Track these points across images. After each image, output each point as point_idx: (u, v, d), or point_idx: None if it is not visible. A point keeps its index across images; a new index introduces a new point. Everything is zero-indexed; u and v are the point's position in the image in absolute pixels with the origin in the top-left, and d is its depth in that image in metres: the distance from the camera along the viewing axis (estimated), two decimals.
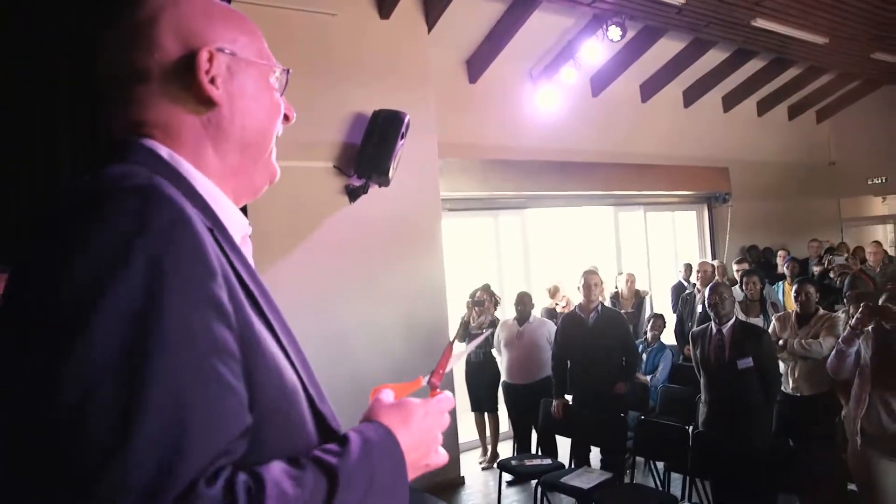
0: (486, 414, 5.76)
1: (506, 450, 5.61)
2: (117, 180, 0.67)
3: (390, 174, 4.88)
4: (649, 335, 5.59)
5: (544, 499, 4.22)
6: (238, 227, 0.83)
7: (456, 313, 6.28)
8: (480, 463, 5.71)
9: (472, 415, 5.85)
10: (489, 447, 5.76)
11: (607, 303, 5.75)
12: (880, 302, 3.48)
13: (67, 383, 0.58)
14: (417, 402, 0.84)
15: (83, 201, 0.65)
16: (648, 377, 5.37)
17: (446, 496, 4.93)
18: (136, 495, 0.56)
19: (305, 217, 4.88)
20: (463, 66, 6.44)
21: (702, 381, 3.97)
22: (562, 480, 3.99)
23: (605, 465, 4.50)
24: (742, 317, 4.84)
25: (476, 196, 6.42)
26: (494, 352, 5.65)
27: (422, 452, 0.82)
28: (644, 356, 5.51)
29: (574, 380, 4.65)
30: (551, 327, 5.22)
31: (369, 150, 4.88)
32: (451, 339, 1.05)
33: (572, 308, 5.04)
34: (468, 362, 5.89)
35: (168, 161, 0.76)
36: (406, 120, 4.88)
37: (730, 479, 3.55)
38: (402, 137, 4.90)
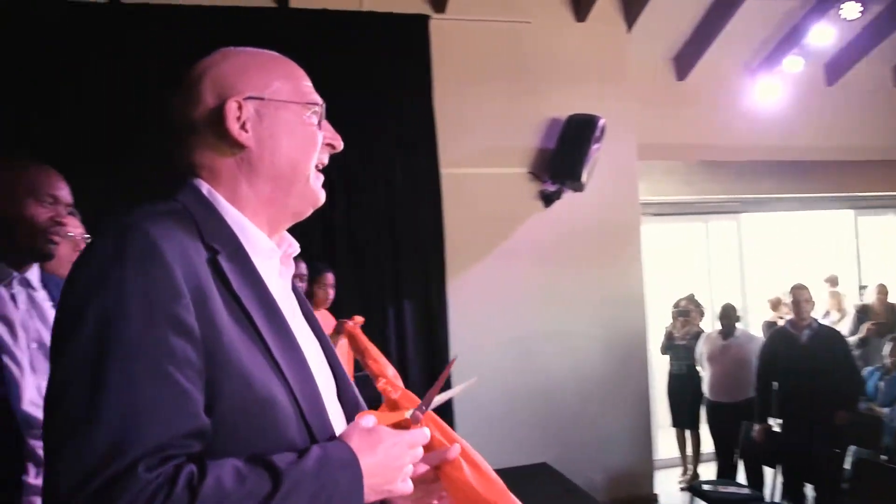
0: (687, 431, 5.42)
1: (709, 471, 5.22)
2: (123, 218, 0.82)
3: (583, 179, 4.82)
4: (888, 360, 4.82)
5: None
6: (264, 250, 0.93)
7: (659, 323, 6.00)
8: (679, 482, 5.39)
9: (671, 431, 5.54)
10: (690, 466, 5.41)
11: (826, 320, 5.07)
12: None
13: (57, 374, 0.75)
14: (389, 431, 0.90)
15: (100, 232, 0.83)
16: (886, 409, 4.63)
17: None
18: (83, 470, 0.69)
19: (500, 223, 5.00)
20: (669, 64, 6.11)
21: None
22: None
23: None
24: None
25: (682, 200, 6.05)
26: (699, 367, 5.30)
27: (385, 478, 0.87)
28: (881, 384, 4.76)
29: (782, 403, 4.18)
30: (760, 343, 4.75)
31: (562, 156, 4.87)
32: (444, 372, 1.05)
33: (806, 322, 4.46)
34: (671, 375, 5.60)
35: (206, 196, 0.91)
36: (600, 124, 4.79)
37: None
38: (597, 142, 4.82)
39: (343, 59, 4.54)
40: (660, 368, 6.09)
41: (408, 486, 0.91)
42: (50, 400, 0.75)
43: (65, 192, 1.58)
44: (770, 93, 6.10)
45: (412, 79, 4.73)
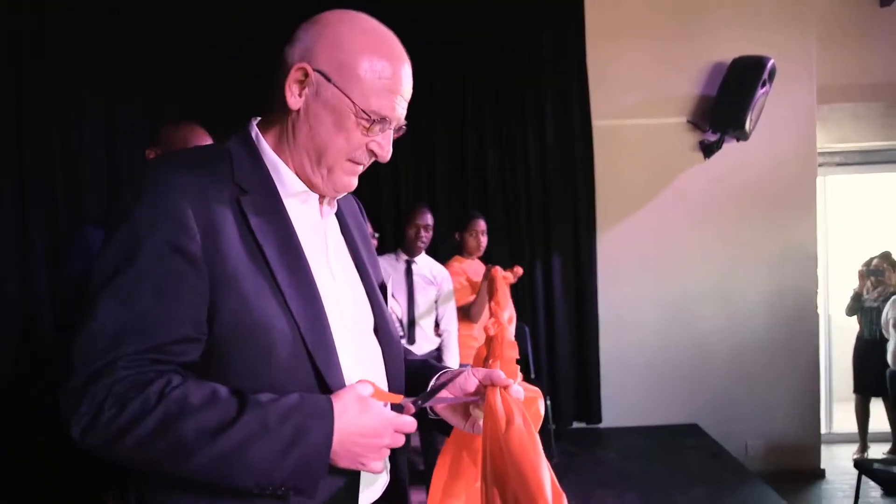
0: (871, 401, 4.92)
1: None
2: (152, 163, 1.02)
3: (748, 127, 4.46)
4: None
5: None
6: (296, 193, 1.03)
7: (843, 284, 5.44)
8: (854, 456, 4.93)
9: (843, 405, 5.06)
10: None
11: None
12: None
13: (91, 276, 0.92)
14: (379, 406, 0.94)
15: None
16: None
17: (795, 488, 4.44)
18: (81, 357, 0.87)
19: (656, 175, 4.81)
20: None
21: None
22: None
23: None
24: None
25: (876, 147, 5.33)
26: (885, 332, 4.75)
27: (360, 447, 0.91)
28: None
29: None
30: None
31: (725, 102, 4.53)
32: (439, 383, 1.02)
33: None
34: (859, 339, 5.07)
35: (252, 139, 1.03)
36: (769, 65, 4.37)
37: None
38: (764, 85, 4.41)
39: (496, 10, 4.59)
40: (840, 334, 5.54)
41: (378, 467, 0.94)
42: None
43: None
44: None
45: (566, 30, 4.65)
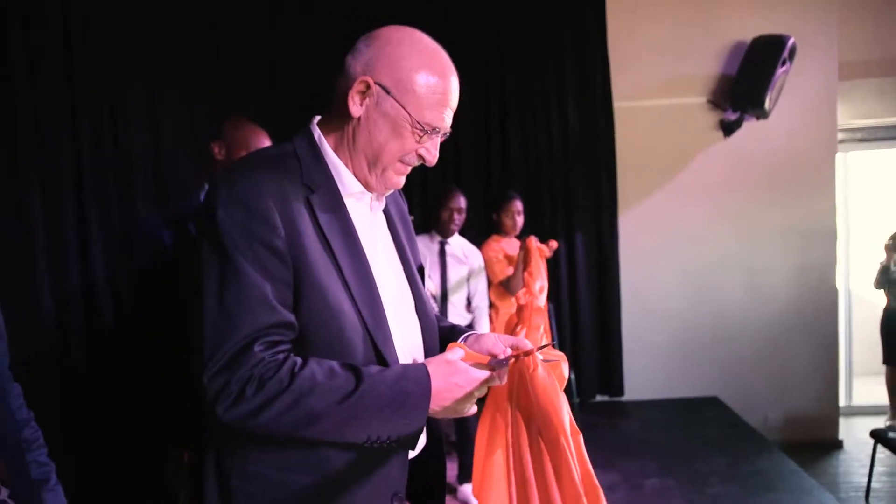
0: None
1: None
2: (234, 166, 1.12)
3: (767, 106, 4.52)
4: None
5: None
6: (354, 192, 1.16)
7: (866, 259, 5.51)
8: (887, 423, 5.04)
9: (862, 378, 5.15)
10: None
11: None
12: None
13: (199, 275, 1.08)
14: (465, 367, 1.10)
15: None
16: None
17: (813, 458, 4.56)
18: (217, 341, 1.01)
19: (676, 154, 4.90)
20: None
21: None
22: None
23: None
24: None
25: None
26: None
27: (452, 403, 1.08)
28: None
29: None
30: None
31: (745, 81, 4.59)
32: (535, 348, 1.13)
33: None
34: (887, 310, 5.14)
35: (315, 141, 1.16)
36: (789, 44, 4.42)
37: None
38: (784, 64, 4.46)
39: (519, 16, 4.68)
40: (860, 309, 5.61)
41: (472, 410, 1.13)
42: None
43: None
44: None
45: (587, 12, 4.72)
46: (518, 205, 3.83)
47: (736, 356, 4.91)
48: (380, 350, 1.11)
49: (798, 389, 4.88)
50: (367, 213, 1.21)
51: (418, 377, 1.07)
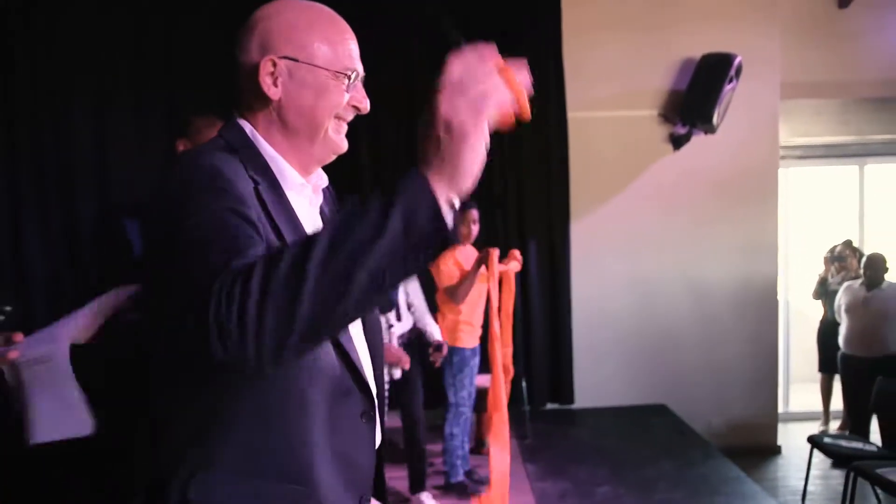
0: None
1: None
2: (184, 156, 1.08)
3: (715, 121, 4.67)
4: None
5: (855, 487, 3.76)
6: (295, 185, 1.08)
7: (802, 270, 5.74)
8: (821, 428, 5.25)
9: (800, 385, 5.36)
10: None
11: None
12: None
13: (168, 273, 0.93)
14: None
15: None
16: None
17: (754, 462, 4.71)
18: (210, 271, 0.81)
19: (628, 165, 5.01)
20: None
21: None
22: (877, 471, 3.51)
23: None
24: None
25: (835, 142, 5.60)
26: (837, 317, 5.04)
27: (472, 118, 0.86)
28: None
29: None
30: None
31: (694, 97, 4.73)
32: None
33: None
34: (824, 321, 5.36)
35: (248, 135, 1.08)
36: (736, 62, 4.57)
37: None
38: (731, 81, 4.62)
39: (473, 3, 4.69)
40: (798, 319, 5.84)
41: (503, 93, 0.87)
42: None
43: None
44: None
45: (543, 22, 4.79)
46: (474, 213, 3.83)
47: (683, 364, 5.04)
48: (341, 342, 1.04)
49: (740, 396, 5.03)
50: (307, 208, 1.14)
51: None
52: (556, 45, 4.80)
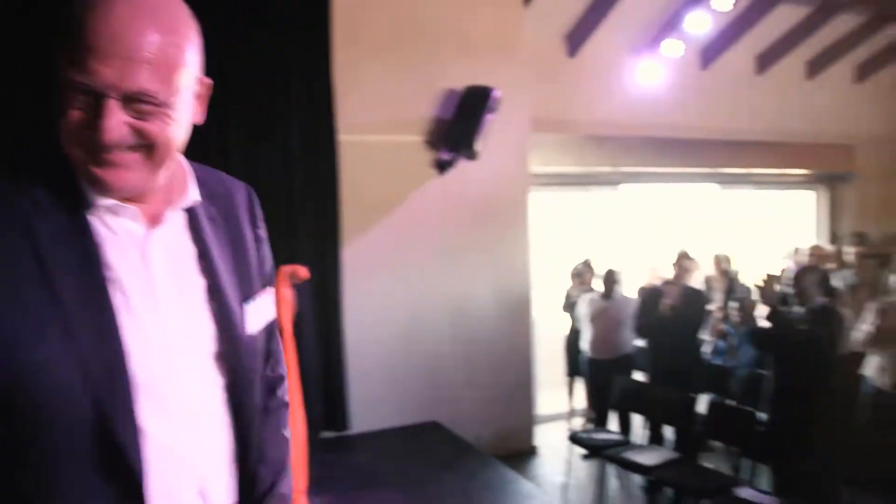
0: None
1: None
2: None
3: (476, 148, 5.01)
4: (737, 317, 5.39)
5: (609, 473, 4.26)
6: (103, 207, 0.89)
7: (545, 286, 6.38)
8: (570, 430, 5.84)
9: (550, 390, 5.94)
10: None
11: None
12: None
13: None
14: None
15: None
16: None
17: (516, 465, 5.06)
18: None
19: (396, 189, 5.12)
20: (562, 40, 6.37)
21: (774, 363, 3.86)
22: (625, 455, 4.02)
23: (677, 445, 4.46)
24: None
25: (571, 171, 6.40)
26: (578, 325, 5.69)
27: None
28: (731, 340, 5.34)
29: (650, 357, 4.63)
30: (635, 305, 5.17)
31: (458, 125, 5.03)
32: None
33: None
34: (572, 330, 5.95)
35: (62, 150, 0.86)
36: (493, 95, 4.97)
37: (794, 466, 3.46)
38: (491, 112, 5.01)
39: (243, 25, 4.45)
40: (545, 329, 6.48)
41: None
42: None
43: None
44: (651, 73, 6.52)
45: (313, 48, 4.71)
46: None
47: (449, 381, 5.25)
48: (111, 419, 0.83)
49: (503, 406, 5.40)
50: (140, 234, 0.92)
51: None
52: (327, 71, 4.75)
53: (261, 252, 1.13)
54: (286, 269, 3.16)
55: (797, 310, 3.80)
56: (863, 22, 7.30)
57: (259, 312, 1.07)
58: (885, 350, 4.04)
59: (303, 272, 3.46)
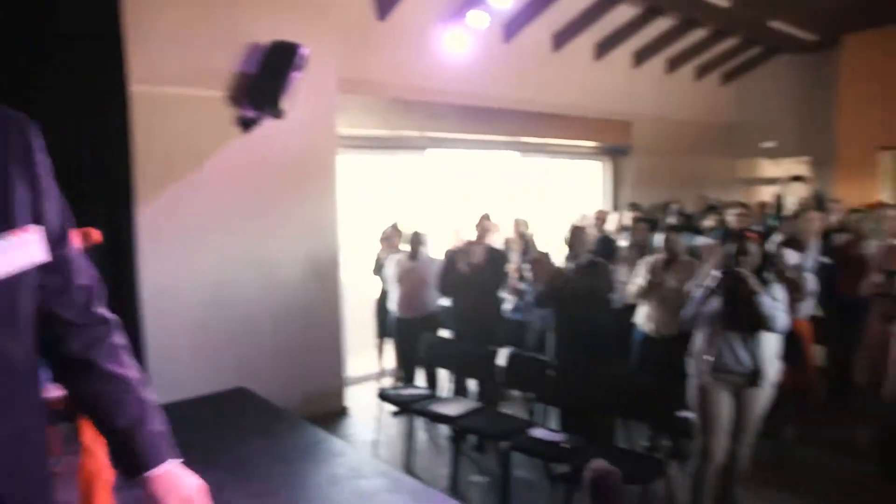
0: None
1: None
2: None
3: (283, 107, 4.85)
4: (531, 276, 5.85)
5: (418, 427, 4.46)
6: None
7: (353, 249, 6.42)
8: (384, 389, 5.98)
9: (361, 353, 6.03)
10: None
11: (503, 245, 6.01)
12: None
13: None
14: None
15: None
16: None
17: (328, 425, 5.11)
18: None
19: (196, 147, 4.81)
20: (372, 3, 6.35)
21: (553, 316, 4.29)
22: (431, 408, 4.23)
23: (480, 396, 4.79)
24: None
25: (378, 135, 6.45)
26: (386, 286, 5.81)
27: None
28: (527, 297, 5.78)
29: (454, 314, 4.88)
30: (439, 266, 5.39)
31: (263, 82, 4.83)
32: None
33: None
34: (382, 292, 6.02)
35: None
36: (301, 52, 4.83)
37: (576, 406, 3.90)
38: (298, 70, 4.86)
39: None
40: (355, 293, 6.54)
41: None
42: None
43: None
44: (458, 42, 6.74)
45: None
46: None
47: (257, 345, 5.13)
48: None
49: (313, 369, 5.40)
50: None
51: None
52: (114, 9, 4.28)
53: (36, 188, 1.03)
54: (76, 231, 2.86)
55: (569, 265, 4.24)
56: (638, 13, 8.14)
57: (11, 251, 0.97)
58: (651, 301, 4.62)
59: (95, 235, 3.16)
